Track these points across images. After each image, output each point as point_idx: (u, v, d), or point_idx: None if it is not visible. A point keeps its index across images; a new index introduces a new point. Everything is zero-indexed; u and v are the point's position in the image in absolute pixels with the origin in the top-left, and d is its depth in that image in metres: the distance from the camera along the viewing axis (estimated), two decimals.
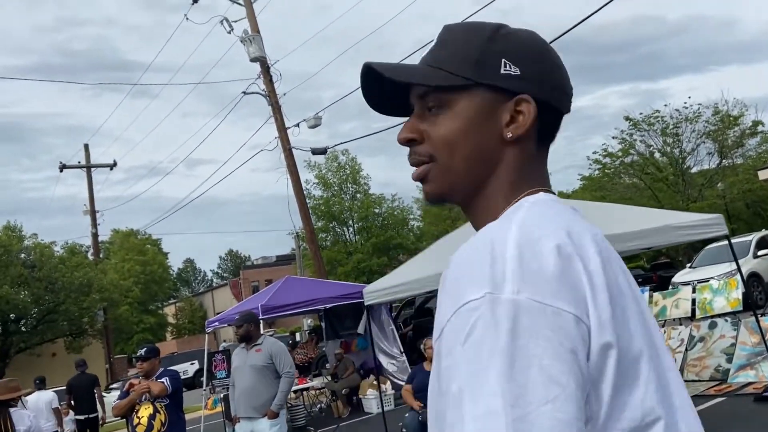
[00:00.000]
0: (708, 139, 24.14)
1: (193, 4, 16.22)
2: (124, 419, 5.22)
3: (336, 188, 32.03)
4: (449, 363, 0.67)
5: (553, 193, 0.86)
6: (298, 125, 15.64)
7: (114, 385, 21.07)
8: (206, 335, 13.07)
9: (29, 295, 24.17)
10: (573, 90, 0.90)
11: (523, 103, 0.83)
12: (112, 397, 12.53)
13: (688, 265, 15.30)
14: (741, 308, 7.77)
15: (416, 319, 14.61)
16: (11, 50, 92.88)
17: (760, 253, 13.85)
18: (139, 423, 4.94)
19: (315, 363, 14.87)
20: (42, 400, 9.27)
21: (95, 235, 27.66)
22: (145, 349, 5.19)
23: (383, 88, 0.88)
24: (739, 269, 7.32)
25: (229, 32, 15.51)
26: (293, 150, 15.50)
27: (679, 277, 14.03)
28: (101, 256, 29.78)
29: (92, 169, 27.51)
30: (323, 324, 13.29)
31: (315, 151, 16.24)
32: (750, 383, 6.99)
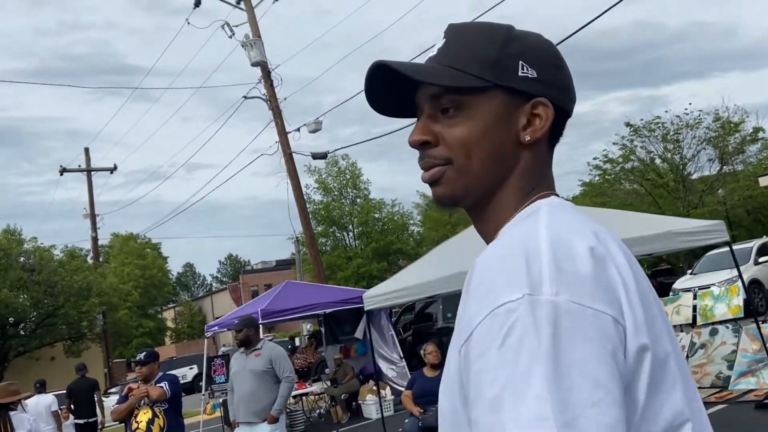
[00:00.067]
0: (709, 145, 24.15)
1: (194, 8, 16.26)
2: (123, 424, 5.20)
3: (336, 193, 32.04)
4: (481, 367, 0.65)
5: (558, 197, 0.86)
6: (298, 130, 15.66)
7: (113, 390, 21.01)
8: (205, 340, 13.05)
9: (28, 299, 24.15)
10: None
11: (540, 107, 0.82)
12: (110, 402, 12.50)
13: (689, 271, 15.28)
14: (742, 315, 7.75)
15: (416, 324, 14.58)
16: (12, 53, 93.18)
17: (761, 259, 13.83)
18: (137, 427, 4.92)
19: (314, 368, 14.83)
20: (42, 403, 9.29)
21: (95, 239, 27.66)
22: (144, 353, 5.18)
23: (389, 88, 0.86)
24: (740, 276, 7.31)
25: (231, 37, 15.54)
26: (293, 154, 15.51)
27: (680, 284, 14.01)
28: (101, 259, 29.76)
29: (92, 172, 27.51)
30: (323, 329, 13.27)
31: (315, 156, 16.24)
32: (751, 390, 6.96)
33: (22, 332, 25.19)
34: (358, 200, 32.37)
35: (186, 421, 5.67)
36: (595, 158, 26.03)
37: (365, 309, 8.13)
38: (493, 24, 0.86)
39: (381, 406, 8.50)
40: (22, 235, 25.53)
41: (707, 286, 11.28)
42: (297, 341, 24.27)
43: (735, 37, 69.50)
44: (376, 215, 32.42)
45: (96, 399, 10.60)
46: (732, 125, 23.91)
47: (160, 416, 4.94)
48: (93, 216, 27.15)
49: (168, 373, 5.40)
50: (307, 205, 17.68)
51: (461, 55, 0.82)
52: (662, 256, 19.19)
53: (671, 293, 12.57)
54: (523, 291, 0.66)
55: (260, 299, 11.93)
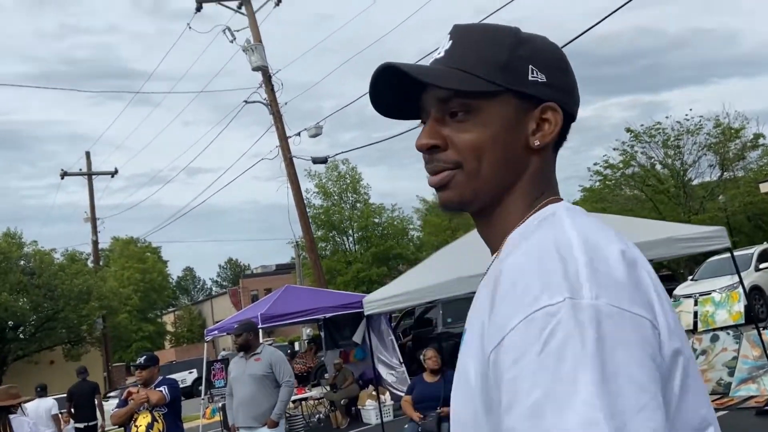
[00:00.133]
0: (709, 151, 24.18)
1: (196, 13, 16.30)
2: (123, 428, 5.19)
3: (336, 197, 32.05)
4: (517, 373, 0.63)
5: None
6: (299, 134, 15.68)
7: (112, 393, 20.98)
8: (205, 344, 13.03)
9: (28, 303, 24.12)
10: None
11: (549, 111, 0.82)
12: (110, 405, 12.49)
13: (690, 277, 15.27)
14: (743, 321, 7.74)
15: (416, 329, 14.56)
16: (14, 57, 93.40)
17: (761, 266, 13.82)
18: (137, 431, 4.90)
19: (314, 373, 14.80)
20: (42, 407, 9.32)
21: (95, 243, 27.66)
22: (144, 357, 5.17)
23: (395, 90, 0.85)
24: (741, 282, 7.31)
25: (232, 41, 15.58)
26: (294, 159, 15.52)
27: (681, 290, 14.00)
28: (101, 263, 29.75)
29: (93, 176, 27.55)
30: (322, 334, 13.26)
31: (315, 161, 16.26)
32: (752, 397, 6.95)
33: (21, 336, 25.15)
34: (358, 205, 32.38)
35: (185, 426, 5.66)
36: (595, 164, 26.09)
37: (365, 314, 8.12)
38: (501, 26, 0.85)
39: (380, 411, 8.48)
40: (22, 239, 25.54)
41: (708, 293, 11.27)
42: (296, 346, 24.25)
43: (735, 43, 69.67)
44: (376, 220, 32.42)
45: (96, 402, 10.61)
46: (732, 131, 23.95)
47: (160, 420, 4.93)
48: (94, 220, 27.17)
49: (167, 377, 5.39)
50: (307, 210, 17.70)
51: (470, 57, 0.81)
52: (663, 262, 19.18)
53: (672, 299, 12.53)
54: (563, 294, 0.64)
55: (260, 303, 11.92)
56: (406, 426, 6.45)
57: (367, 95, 0.87)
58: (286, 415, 8.36)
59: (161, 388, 4.97)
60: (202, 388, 12.46)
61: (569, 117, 0.84)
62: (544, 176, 0.84)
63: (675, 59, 72.75)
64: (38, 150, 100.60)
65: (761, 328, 7.40)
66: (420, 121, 0.88)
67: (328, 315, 11.21)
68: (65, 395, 10.73)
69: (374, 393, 9.74)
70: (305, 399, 11.79)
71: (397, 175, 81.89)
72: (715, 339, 7.84)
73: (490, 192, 0.82)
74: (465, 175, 0.81)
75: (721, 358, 7.64)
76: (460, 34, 0.84)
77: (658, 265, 22.11)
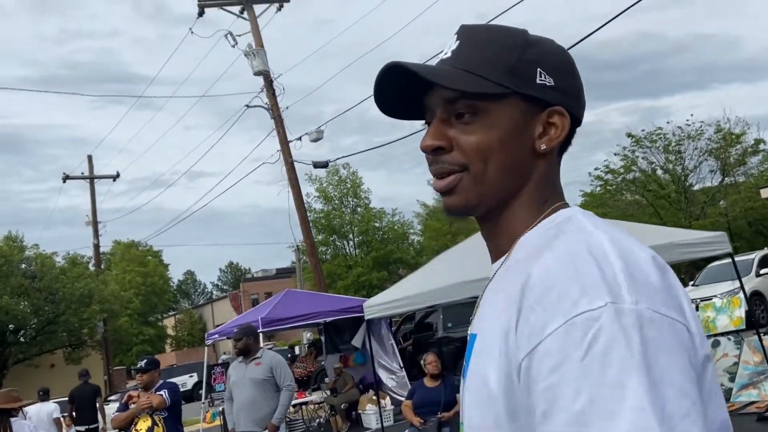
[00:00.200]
0: (710, 156, 24.18)
1: (198, 18, 16.34)
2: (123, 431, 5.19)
3: (337, 202, 32.06)
4: (557, 380, 0.62)
5: None
6: (300, 139, 15.69)
7: (112, 397, 20.96)
8: (205, 348, 13.02)
9: (29, 306, 24.12)
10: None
11: (556, 115, 0.81)
12: (110, 409, 12.51)
13: (691, 283, 15.26)
14: (744, 327, 7.73)
15: (416, 334, 14.54)
16: (16, 61, 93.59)
17: (762, 271, 13.81)
18: None
19: (314, 377, 14.79)
20: (44, 411, 9.36)
21: (97, 246, 27.68)
22: (145, 361, 5.17)
23: (400, 90, 0.84)
24: (742, 287, 7.30)
25: (234, 46, 15.61)
26: (295, 163, 15.53)
27: None
28: (102, 267, 29.76)
29: (95, 180, 27.58)
30: (323, 338, 13.25)
31: (316, 165, 16.27)
32: (752, 402, 6.94)
33: (22, 339, 25.14)
34: (359, 209, 32.38)
35: (185, 430, 5.66)
36: (596, 168, 26.07)
37: (366, 318, 8.12)
38: (510, 27, 0.84)
39: (381, 415, 8.46)
40: (23, 242, 25.56)
41: (709, 298, 11.25)
42: (297, 350, 24.21)
43: (736, 48, 69.69)
44: (377, 224, 32.42)
45: (98, 405, 10.62)
46: (733, 137, 23.95)
47: (160, 424, 4.93)
48: (95, 223, 27.19)
49: (168, 381, 5.39)
50: (308, 214, 17.70)
51: (478, 58, 0.80)
52: None
53: None
54: (604, 299, 0.63)
55: (260, 307, 11.91)
56: (407, 431, 6.44)
57: (368, 100, 0.87)
58: (286, 419, 8.35)
59: (162, 392, 4.97)
60: (203, 391, 12.45)
61: (575, 121, 0.84)
62: (550, 180, 0.83)
63: (676, 64, 72.85)
64: (40, 154, 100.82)
65: (762, 334, 7.39)
66: (424, 122, 0.86)
67: (328, 319, 11.20)
68: (66, 398, 10.75)
69: (375, 398, 9.72)
70: (305, 403, 11.77)
71: (398, 179, 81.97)
72: (715, 344, 7.83)
73: (496, 196, 0.81)
74: (471, 179, 0.80)
75: (721, 364, 7.63)
76: (467, 34, 0.83)
77: None
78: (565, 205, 0.83)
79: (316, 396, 11.96)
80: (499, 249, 0.84)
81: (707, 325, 7.99)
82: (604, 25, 9.69)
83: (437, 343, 12.90)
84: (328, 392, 11.54)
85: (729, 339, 7.76)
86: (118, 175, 27.97)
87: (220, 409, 10.79)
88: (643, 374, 0.60)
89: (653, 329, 0.62)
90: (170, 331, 53.33)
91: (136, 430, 4.94)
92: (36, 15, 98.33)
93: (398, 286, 8.76)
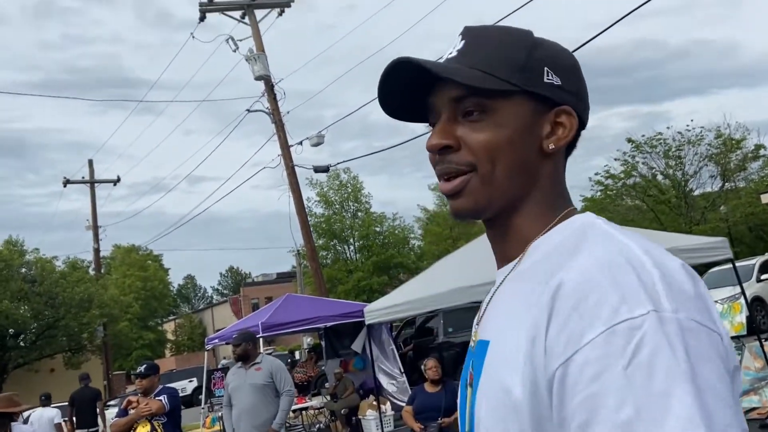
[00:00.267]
0: (710, 162, 24.18)
1: (199, 23, 16.38)
2: None
3: (337, 206, 32.07)
4: (599, 389, 0.60)
5: None
6: (301, 143, 15.70)
7: (112, 402, 20.91)
8: (205, 353, 13.00)
9: (29, 310, 24.10)
10: None
11: (563, 115, 0.80)
12: (110, 414, 12.50)
13: None
14: (745, 332, 7.71)
15: (417, 338, 14.52)
16: (19, 66, 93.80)
17: (763, 277, 13.80)
18: None
19: (314, 382, 14.75)
20: (45, 416, 9.41)
21: (97, 251, 27.66)
22: (144, 366, 5.17)
23: (406, 88, 0.82)
24: (743, 293, 7.28)
25: (235, 51, 15.63)
26: (295, 168, 15.54)
27: None
28: (102, 271, 29.75)
29: (95, 184, 27.59)
30: (323, 343, 13.22)
31: (317, 169, 16.27)
32: (754, 409, 6.92)
33: (22, 344, 25.12)
34: (359, 214, 32.39)
35: None
36: (596, 174, 26.06)
37: (366, 323, 8.12)
38: (515, 28, 0.83)
39: (381, 421, 8.45)
40: (24, 246, 25.55)
41: None
42: (297, 354, 24.18)
43: (735, 54, 69.83)
44: (377, 229, 32.42)
45: (98, 409, 10.64)
46: (733, 142, 23.95)
47: (159, 430, 4.91)
48: (95, 227, 27.19)
49: (167, 386, 5.38)
50: (309, 218, 17.69)
51: (487, 57, 0.79)
52: None
53: None
54: (646, 307, 0.62)
55: (261, 312, 11.90)
56: None
57: (369, 105, 0.85)
58: (286, 424, 8.33)
59: (161, 398, 4.96)
60: (203, 397, 12.43)
61: (581, 123, 0.83)
62: (557, 183, 0.82)
63: (675, 70, 72.94)
64: (41, 158, 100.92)
65: (763, 339, 7.37)
66: (428, 124, 0.85)
67: (328, 324, 11.18)
68: (67, 403, 10.77)
69: (375, 403, 9.70)
70: (305, 408, 11.74)
71: (398, 183, 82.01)
72: None
73: (504, 197, 0.79)
74: (479, 179, 0.78)
75: None
76: (473, 34, 0.82)
77: None
78: (575, 210, 0.82)
79: (316, 401, 11.93)
80: (507, 253, 0.83)
81: None
82: (604, 31, 9.71)
83: (438, 348, 12.88)
84: (329, 397, 11.52)
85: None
86: (118, 180, 27.99)
87: (220, 414, 10.77)
88: (689, 384, 0.59)
89: (693, 338, 0.62)
90: (170, 336, 53.27)
91: None
92: (39, 20, 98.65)
93: (399, 290, 8.76)
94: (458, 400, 0.89)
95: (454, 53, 0.81)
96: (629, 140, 24.47)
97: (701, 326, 0.63)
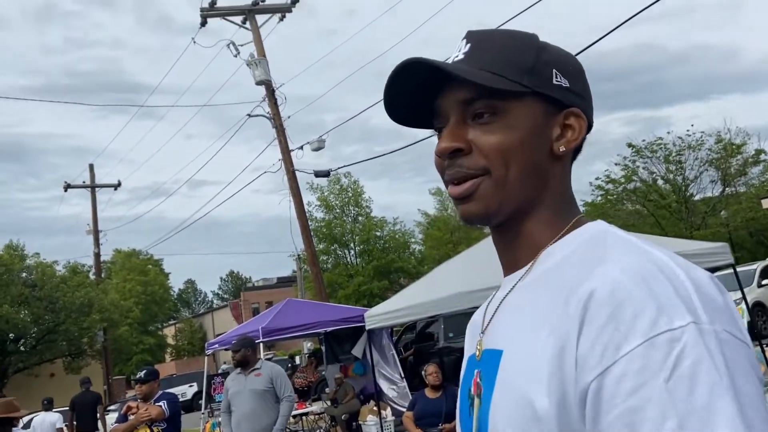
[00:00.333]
0: (711, 167, 24.18)
1: (200, 28, 16.42)
2: None
3: (338, 211, 32.10)
4: (639, 403, 0.59)
5: None
6: (301, 148, 15.72)
7: (112, 407, 20.87)
8: (206, 358, 12.98)
9: (29, 315, 24.10)
10: None
11: (572, 117, 0.80)
12: (110, 419, 12.50)
13: None
14: None
15: (417, 343, 14.50)
16: (19, 71, 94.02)
17: (764, 282, 13.79)
18: None
19: (314, 387, 14.73)
20: (48, 420, 9.46)
21: (97, 255, 27.67)
22: (144, 371, 5.16)
23: (412, 91, 0.81)
24: (744, 298, 7.27)
25: (236, 56, 15.67)
26: (296, 172, 15.55)
27: None
28: (102, 276, 29.75)
29: (96, 189, 27.62)
30: (323, 348, 13.20)
31: (318, 174, 16.29)
32: None
33: (22, 348, 25.11)
34: (360, 218, 32.41)
35: None
36: (597, 178, 26.05)
37: (367, 328, 8.11)
38: (520, 31, 0.83)
39: (381, 427, 8.42)
40: (24, 251, 25.57)
41: None
42: (297, 359, 24.14)
43: (736, 59, 69.92)
44: (378, 233, 32.43)
45: (98, 413, 10.66)
46: (734, 147, 23.96)
47: None
48: (96, 232, 27.21)
49: (167, 391, 5.38)
50: (309, 223, 17.70)
51: (495, 59, 0.78)
52: None
53: None
54: (685, 318, 0.61)
55: (261, 317, 11.89)
56: None
57: (369, 109, 0.84)
58: (286, 430, 8.31)
59: (161, 403, 4.95)
60: (203, 402, 12.40)
61: (587, 126, 0.83)
62: (566, 187, 0.82)
63: (675, 75, 72.93)
64: (42, 162, 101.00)
65: (765, 345, 7.35)
66: (433, 129, 0.83)
67: (329, 329, 11.17)
68: (67, 407, 10.80)
69: (375, 408, 9.68)
70: (306, 414, 11.72)
71: (399, 188, 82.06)
72: None
73: (516, 201, 0.78)
74: (492, 183, 0.77)
75: None
76: (478, 37, 0.81)
77: None
78: (584, 217, 0.81)
79: (316, 406, 11.90)
80: (515, 260, 0.81)
81: None
82: (604, 36, 9.73)
83: (438, 353, 12.87)
84: (329, 403, 11.49)
85: None
86: (119, 184, 28.02)
87: (220, 419, 10.75)
88: (731, 397, 0.58)
89: (730, 351, 0.61)
90: (170, 341, 53.21)
91: None
92: (39, 24, 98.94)
93: (399, 295, 8.75)
94: (458, 411, 0.87)
95: (461, 56, 0.80)
96: (630, 145, 24.49)
97: (734, 338, 0.62)
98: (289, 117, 15.91)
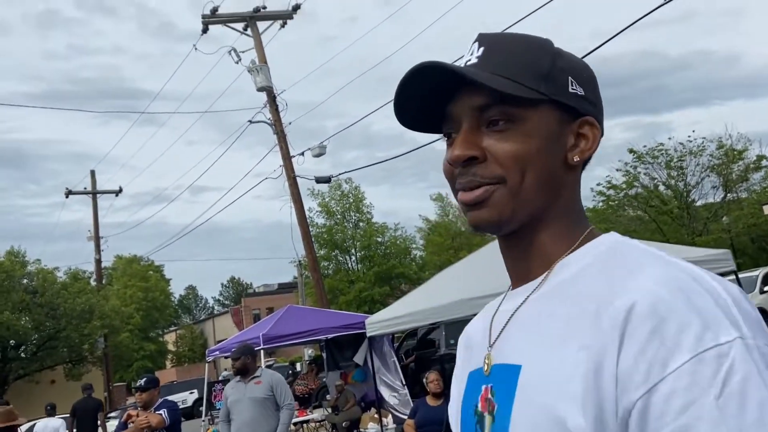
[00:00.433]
0: (712, 172, 24.18)
1: (202, 34, 16.47)
2: None
3: (339, 216, 32.10)
4: (690, 421, 0.57)
5: None
6: (302, 154, 15.73)
7: (112, 414, 20.82)
8: (206, 364, 12.95)
9: (30, 321, 24.07)
10: None
11: (586, 126, 0.78)
12: (111, 426, 12.47)
13: None
14: None
15: (418, 350, 14.47)
16: (21, 77, 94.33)
17: (766, 288, 13.75)
18: None
19: (315, 394, 14.68)
20: (50, 426, 9.50)
21: (98, 261, 27.67)
22: (144, 379, 5.14)
23: (425, 94, 0.78)
24: None
25: (237, 62, 15.71)
26: (297, 178, 15.56)
27: None
28: (104, 282, 29.74)
29: (97, 195, 27.64)
30: (324, 354, 13.17)
31: (319, 180, 16.28)
32: None
33: (22, 355, 25.08)
34: (361, 224, 32.41)
35: None
36: (598, 184, 26.05)
37: (368, 335, 8.09)
38: (534, 36, 0.81)
39: None
40: (25, 257, 25.57)
41: None
42: (298, 366, 24.09)
43: (737, 65, 69.89)
44: (379, 239, 32.43)
45: (99, 420, 10.65)
46: (735, 153, 23.96)
47: None
48: (97, 238, 27.22)
49: (168, 399, 5.36)
50: (310, 229, 17.69)
51: (511, 64, 0.75)
52: None
53: None
54: (731, 333, 0.59)
55: (262, 323, 11.87)
56: None
57: (370, 115, 0.81)
58: None
59: (161, 411, 4.93)
60: (203, 409, 12.37)
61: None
62: (576, 197, 0.80)
63: (677, 81, 72.89)
64: (43, 168, 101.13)
65: None
66: (443, 134, 0.81)
67: (330, 336, 11.15)
68: (68, 414, 10.81)
69: (376, 416, 9.64)
70: (307, 421, 11.68)
71: (400, 194, 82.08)
72: None
73: (528, 210, 0.75)
74: (506, 192, 0.74)
75: None
76: (491, 40, 0.78)
77: None
78: (596, 228, 0.79)
79: (317, 414, 11.87)
80: (527, 271, 0.78)
81: None
82: (605, 42, 9.74)
83: (439, 360, 12.83)
84: (330, 410, 11.45)
85: None
86: (120, 190, 28.05)
87: (220, 427, 10.72)
88: None
89: None
90: (171, 347, 53.14)
91: None
92: (41, 31, 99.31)
93: (401, 302, 8.73)
94: (457, 428, 0.85)
95: (474, 59, 0.77)
96: (631, 151, 24.50)
97: None
98: (290, 123, 15.94)
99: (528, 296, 0.76)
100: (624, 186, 25.06)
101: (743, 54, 73.46)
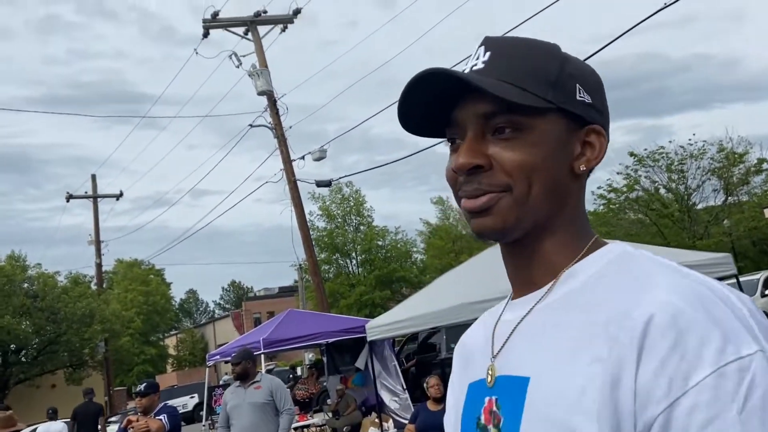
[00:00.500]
0: (713, 176, 24.17)
1: (203, 39, 16.49)
2: None
3: (339, 220, 32.12)
4: None
5: None
6: (303, 158, 15.74)
7: (113, 418, 20.78)
8: (207, 369, 12.93)
9: (31, 326, 24.07)
10: None
11: (593, 134, 0.77)
12: (111, 431, 12.48)
13: None
14: None
15: (419, 354, 14.44)
16: (22, 81, 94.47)
17: (767, 292, 13.73)
18: None
19: (316, 399, 14.65)
20: (51, 430, 9.59)
21: (99, 266, 27.67)
22: (144, 384, 5.14)
23: (429, 101, 0.77)
24: None
25: (238, 66, 15.73)
26: (298, 182, 15.56)
27: None
28: (104, 286, 29.73)
29: (98, 199, 27.66)
30: (325, 359, 13.15)
31: (319, 184, 16.29)
32: None
33: (23, 359, 25.06)
34: (362, 227, 32.42)
35: None
36: (599, 187, 26.02)
37: (368, 339, 8.08)
38: (541, 40, 0.79)
39: None
40: (26, 261, 25.57)
41: None
42: (299, 370, 24.05)
43: (738, 68, 69.89)
44: (380, 243, 32.43)
45: (100, 425, 10.66)
46: (736, 156, 23.95)
47: None
48: (98, 242, 27.22)
49: (168, 404, 5.35)
50: (311, 232, 17.68)
51: (518, 69, 0.74)
52: None
53: None
54: (752, 346, 0.59)
55: (262, 328, 11.85)
56: None
57: (370, 119, 0.80)
58: None
59: (161, 417, 4.92)
60: (204, 413, 12.34)
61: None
62: (581, 205, 0.79)
63: (677, 84, 72.94)
64: (44, 173, 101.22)
65: None
66: (446, 139, 0.79)
67: (330, 340, 11.13)
68: (69, 419, 10.82)
69: (377, 420, 9.62)
70: (307, 426, 11.66)
71: (400, 197, 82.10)
72: None
73: (534, 219, 0.74)
74: (512, 200, 0.73)
75: None
76: (499, 45, 0.77)
77: None
78: (601, 238, 0.78)
79: (317, 419, 11.85)
80: (530, 280, 0.77)
81: None
82: (606, 46, 9.75)
83: (440, 364, 12.80)
84: (330, 415, 11.43)
85: None
86: (121, 194, 28.06)
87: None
88: None
89: None
90: (171, 351, 53.09)
91: None
92: (42, 36, 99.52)
93: (401, 306, 8.72)
94: None
95: (479, 65, 0.75)
96: (632, 154, 24.49)
97: None
98: (290, 127, 15.98)
99: (533, 306, 0.75)
100: (625, 189, 25.04)
101: (744, 57, 73.53)
